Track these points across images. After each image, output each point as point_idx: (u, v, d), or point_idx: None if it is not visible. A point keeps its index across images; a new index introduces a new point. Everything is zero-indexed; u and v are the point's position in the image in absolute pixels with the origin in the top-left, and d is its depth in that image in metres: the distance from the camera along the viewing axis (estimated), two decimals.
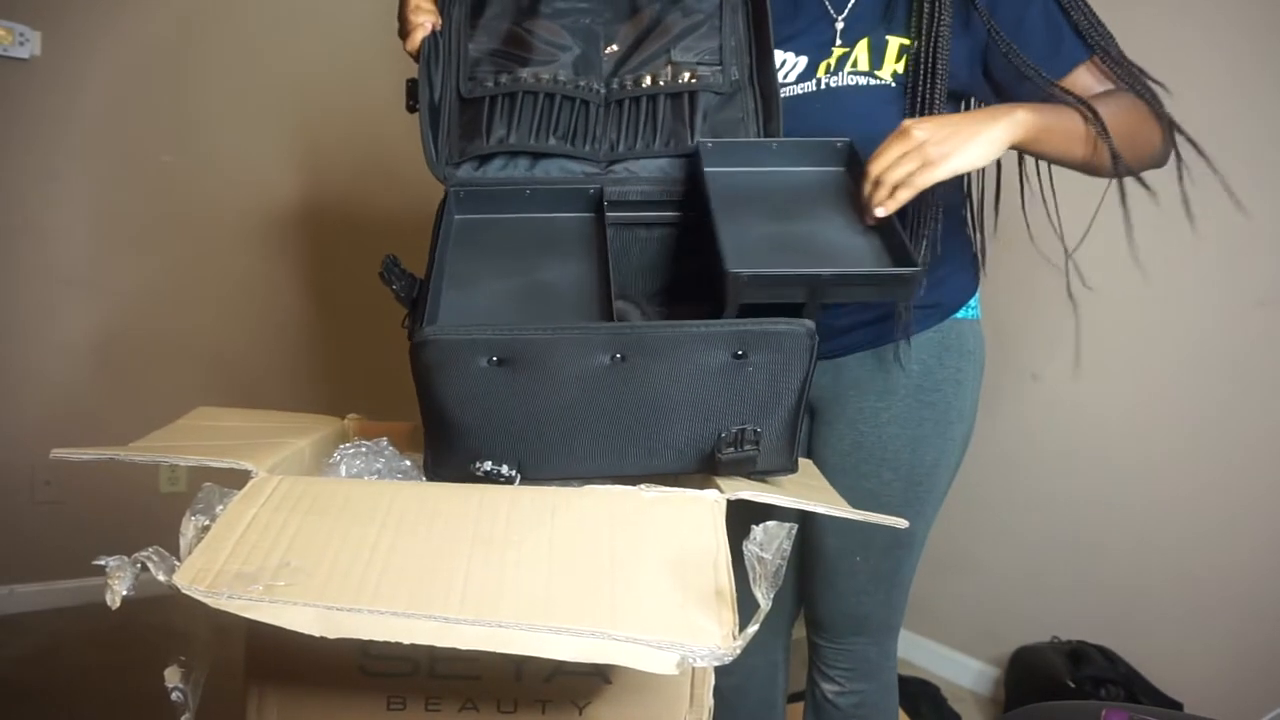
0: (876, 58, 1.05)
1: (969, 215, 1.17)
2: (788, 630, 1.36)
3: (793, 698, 1.50)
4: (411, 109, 0.98)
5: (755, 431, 0.80)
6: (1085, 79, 1.03)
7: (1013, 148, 0.93)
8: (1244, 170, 1.80)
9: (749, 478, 0.86)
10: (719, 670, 0.72)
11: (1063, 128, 0.95)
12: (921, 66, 1.02)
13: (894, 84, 1.05)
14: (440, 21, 1.00)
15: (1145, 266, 1.93)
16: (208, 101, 2.35)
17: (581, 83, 1.00)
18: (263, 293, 2.49)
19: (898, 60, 1.05)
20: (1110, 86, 1.02)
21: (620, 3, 1.05)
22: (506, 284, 0.90)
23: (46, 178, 2.19)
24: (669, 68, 1.01)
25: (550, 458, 0.81)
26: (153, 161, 2.31)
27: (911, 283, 0.84)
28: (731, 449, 0.80)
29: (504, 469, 0.79)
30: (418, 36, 0.98)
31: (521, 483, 0.80)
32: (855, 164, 0.95)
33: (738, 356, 0.78)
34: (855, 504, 0.90)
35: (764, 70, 1.02)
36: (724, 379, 0.79)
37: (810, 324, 0.79)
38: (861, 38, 1.07)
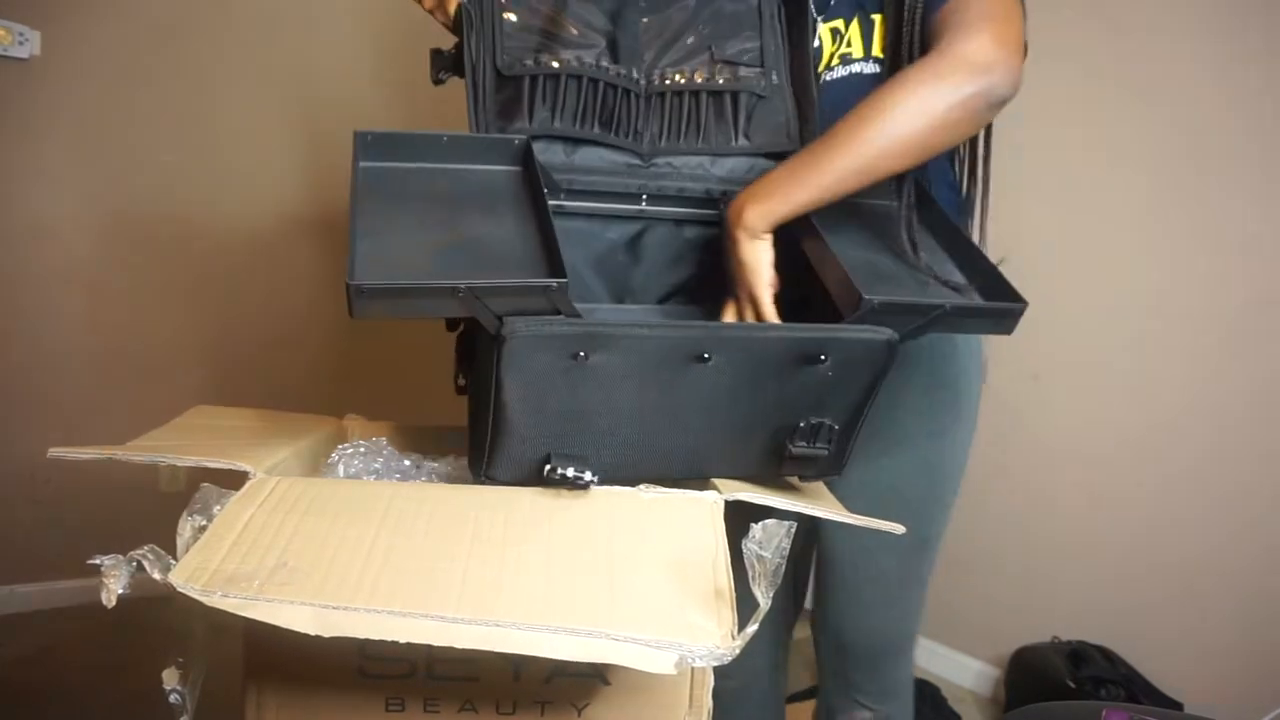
0: (866, 41, 1.04)
1: (971, 219, 1.16)
2: (788, 633, 1.36)
3: (791, 698, 1.50)
4: (437, 81, 0.95)
5: (832, 428, 0.80)
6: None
7: (792, 220, 0.87)
8: (1246, 169, 1.80)
9: (800, 479, 0.86)
10: (719, 673, 0.72)
11: (821, 170, 0.85)
12: (901, 30, 0.97)
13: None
14: None
15: (1147, 267, 1.93)
16: (208, 101, 2.35)
17: (623, 71, 0.97)
18: (262, 292, 2.48)
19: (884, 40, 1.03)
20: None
21: None
22: (426, 236, 0.80)
23: (46, 178, 2.19)
24: (712, 65, 1.00)
25: (626, 459, 0.80)
26: (153, 161, 2.30)
27: (1019, 316, 0.84)
28: (804, 443, 0.80)
29: (586, 475, 0.76)
30: (452, 4, 0.94)
31: (598, 485, 0.78)
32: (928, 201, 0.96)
33: (819, 360, 0.78)
34: (875, 500, 0.89)
35: (799, 72, 1.01)
36: (801, 380, 0.79)
37: (893, 333, 0.79)
38: (850, 18, 1.04)
